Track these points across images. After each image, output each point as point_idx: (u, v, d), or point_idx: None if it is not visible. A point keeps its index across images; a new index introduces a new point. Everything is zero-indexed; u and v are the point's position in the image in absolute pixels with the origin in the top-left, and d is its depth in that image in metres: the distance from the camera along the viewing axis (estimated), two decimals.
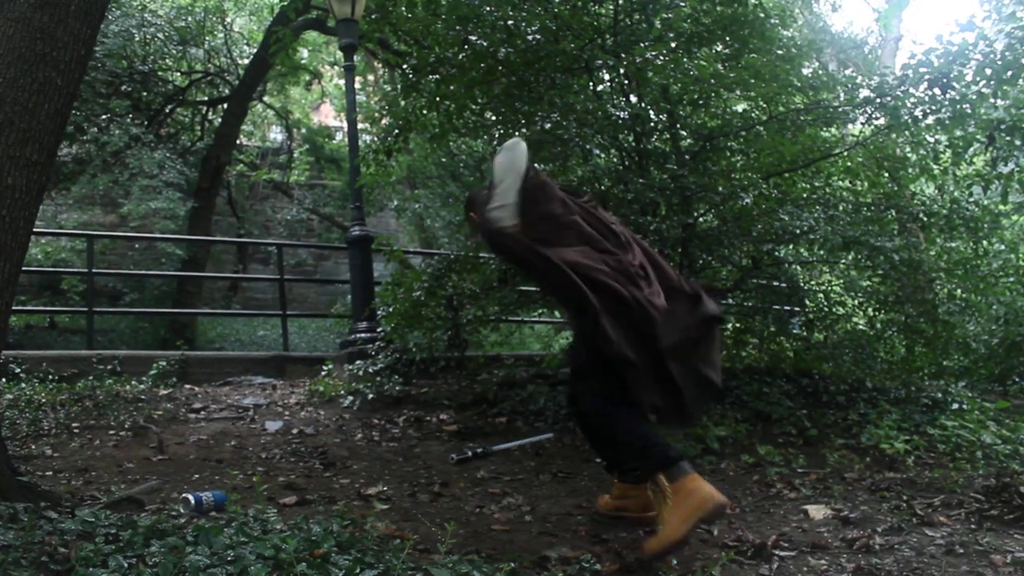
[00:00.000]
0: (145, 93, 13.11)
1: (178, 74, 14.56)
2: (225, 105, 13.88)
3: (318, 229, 17.16)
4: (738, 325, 7.16)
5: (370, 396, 5.99)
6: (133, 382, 6.64)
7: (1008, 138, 5.71)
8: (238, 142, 15.15)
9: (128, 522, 2.84)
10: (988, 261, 6.76)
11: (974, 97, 5.49)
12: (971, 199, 6.44)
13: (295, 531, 2.89)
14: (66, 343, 11.05)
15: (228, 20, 15.39)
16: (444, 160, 9.26)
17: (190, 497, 3.43)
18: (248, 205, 16.91)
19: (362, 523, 3.19)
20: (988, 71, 5.37)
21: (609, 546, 3.15)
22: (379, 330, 6.95)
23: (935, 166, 6.26)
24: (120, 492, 3.68)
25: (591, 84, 5.81)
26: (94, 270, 9.08)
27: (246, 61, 14.37)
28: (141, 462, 4.56)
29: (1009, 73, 5.40)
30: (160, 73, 13.88)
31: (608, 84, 5.99)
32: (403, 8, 6.05)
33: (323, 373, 7.05)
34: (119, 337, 11.80)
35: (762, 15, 5.78)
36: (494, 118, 6.11)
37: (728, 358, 6.94)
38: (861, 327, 6.70)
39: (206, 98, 14.84)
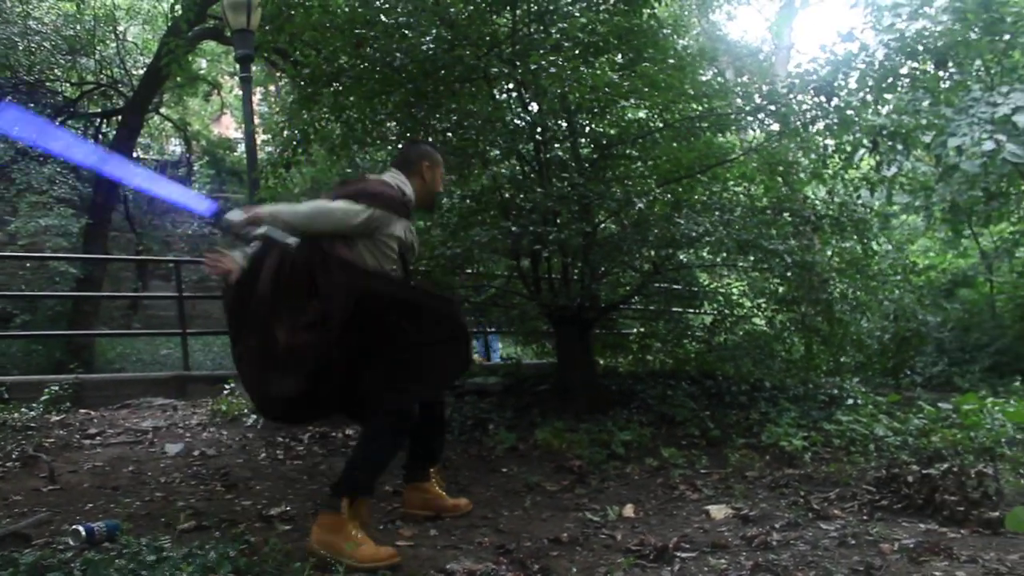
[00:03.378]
0: (32, 105, 12.56)
1: (68, 85, 14.00)
2: (119, 117, 13.42)
3: (221, 244, 16.72)
4: (642, 330, 7.28)
5: None
6: (23, 409, 6.32)
7: (890, 143, 5.96)
8: (135, 155, 14.66)
9: (9, 560, 2.72)
10: (877, 260, 7.03)
11: (858, 104, 5.72)
12: (859, 201, 6.70)
13: (190, 558, 2.81)
14: None
15: (120, 29, 14.86)
16: (348, 171, 9.15)
17: (80, 528, 3.30)
18: (147, 220, 16.37)
19: (262, 545, 3.12)
20: (869, 80, 5.60)
21: (513, 556, 3.15)
22: None
23: (825, 170, 6.49)
24: (3, 527, 3.50)
25: (491, 92, 5.83)
26: None
27: (141, 71, 13.92)
28: (30, 494, 4.33)
29: (888, 81, 5.64)
30: (48, 84, 13.34)
31: (508, 93, 6.02)
32: (299, 17, 5.96)
33: (226, 392, 6.86)
34: (9, 361, 11.24)
35: (655, 25, 5.90)
36: (395, 127, 6.07)
37: (634, 362, 7.06)
38: (762, 328, 6.89)
39: (99, 110, 14.31)
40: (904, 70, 5.74)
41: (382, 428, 3.29)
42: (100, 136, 14.27)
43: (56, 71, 13.48)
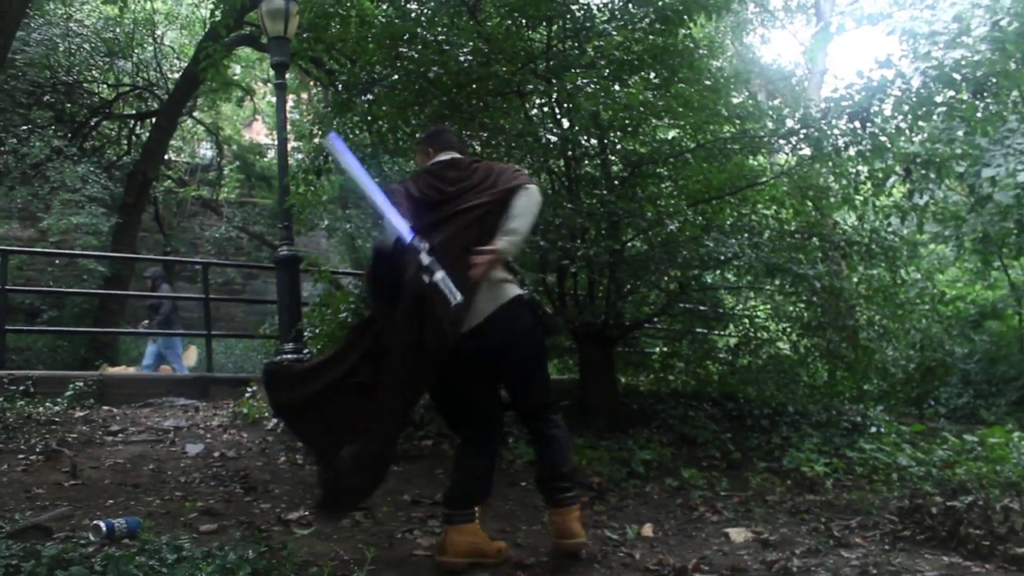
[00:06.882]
0: (69, 105, 12.78)
1: (105, 86, 14.21)
2: (153, 119, 13.59)
3: (247, 248, 16.86)
4: (665, 349, 7.25)
5: None
6: (47, 403, 6.40)
7: (923, 171, 5.93)
8: (166, 157, 14.83)
9: (32, 552, 2.74)
10: (905, 289, 6.97)
11: (892, 131, 5.69)
12: (889, 229, 6.65)
13: (210, 559, 2.82)
14: None
15: (158, 33, 15.07)
16: (376, 180, 9.18)
17: (101, 524, 3.32)
18: (176, 222, 16.54)
19: (280, 549, 3.13)
20: (905, 107, 5.57)
21: (531, 571, 3.13)
22: (306, 352, 6.83)
23: (856, 196, 6.45)
24: (26, 520, 3.53)
25: (523, 107, 5.85)
26: (8, 286, 8.74)
27: (176, 75, 14.10)
28: (52, 487, 4.38)
29: (923, 109, 5.60)
30: (85, 84, 13.54)
31: (540, 108, 6.04)
32: (336, 26, 6.01)
33: (247, 395, 6.90)
34: (35, 356, 11.35)
35: (691, 45, 5.91)
36: None
37: (655, 381, 7.02)
38: (786, 352, 6.84)
39: (134, 112, 14.51)
40: (940, 98, 5.71)
41: None
42: (133, 137, 14.45)
43: (94, 72, 13.69)
